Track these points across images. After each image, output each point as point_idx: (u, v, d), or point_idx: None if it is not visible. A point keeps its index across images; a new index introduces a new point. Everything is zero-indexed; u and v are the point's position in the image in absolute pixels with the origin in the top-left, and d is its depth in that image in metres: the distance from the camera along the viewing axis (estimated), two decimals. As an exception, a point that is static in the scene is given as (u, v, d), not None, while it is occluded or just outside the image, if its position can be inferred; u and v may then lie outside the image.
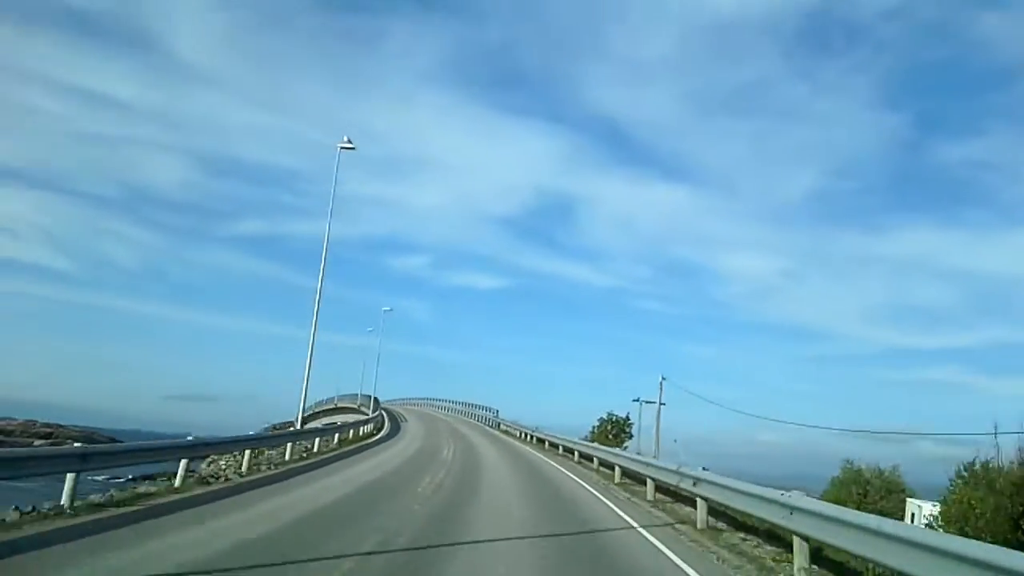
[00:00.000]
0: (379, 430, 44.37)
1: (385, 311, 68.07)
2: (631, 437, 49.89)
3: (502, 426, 51.75)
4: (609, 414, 50.53)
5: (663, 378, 49.33)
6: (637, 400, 53.63)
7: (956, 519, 13.99)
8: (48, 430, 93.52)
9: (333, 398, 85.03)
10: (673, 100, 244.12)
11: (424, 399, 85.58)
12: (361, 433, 39.95)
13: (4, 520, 9.51)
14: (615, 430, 49.53)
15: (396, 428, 47.82)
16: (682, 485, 15.00)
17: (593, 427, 50.24)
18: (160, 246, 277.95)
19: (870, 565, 9.10)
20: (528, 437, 41.48)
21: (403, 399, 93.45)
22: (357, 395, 69.84)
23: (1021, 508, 12.74)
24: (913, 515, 23.18)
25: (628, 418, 50.30)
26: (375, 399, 66.45)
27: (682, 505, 16.52)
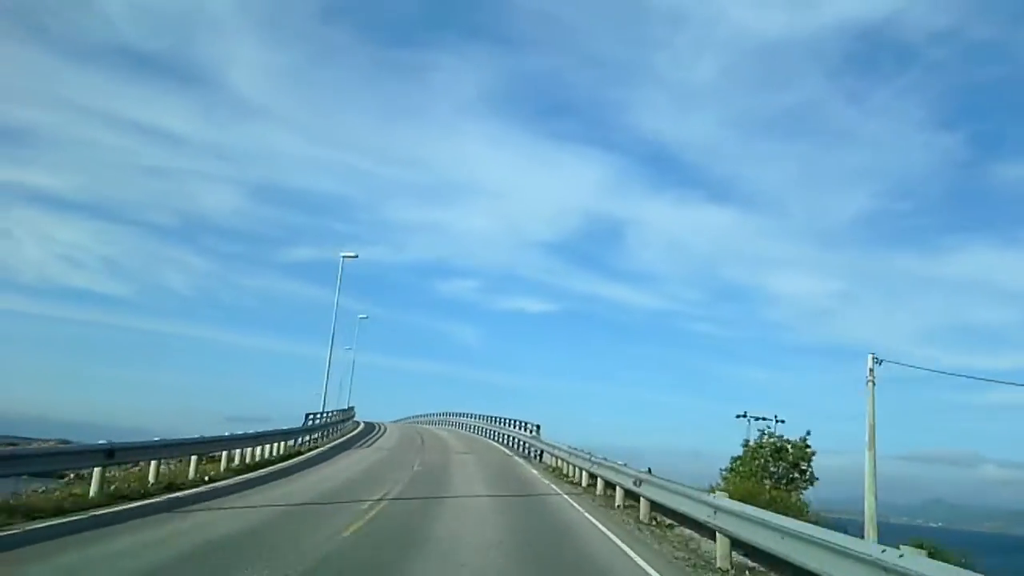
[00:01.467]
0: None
1: (361, 319, 57.25)
2: (811, 482, 24.77)
3: (546, 455, 27.03)
4: (767, 432, 26.02)
5: (875, 360, 22.80)
6: (743, 416, 34.44)
7: None
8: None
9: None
10: (720, 124, 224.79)
11: (444, 413, 62.86)
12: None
13: None
14: (783, 469, 24.61)
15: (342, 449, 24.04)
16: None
17: (733, 461, 25.45)
18: (216, 272, 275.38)
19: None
20: (620, 499, 16.49)
21: (424, 415, 72.66)
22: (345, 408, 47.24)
23: None
24: None
25: (806, 444, 25.22)
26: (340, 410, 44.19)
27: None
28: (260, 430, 22.19)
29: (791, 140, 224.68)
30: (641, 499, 13.69)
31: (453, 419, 56.74)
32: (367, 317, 58.56)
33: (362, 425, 46.43)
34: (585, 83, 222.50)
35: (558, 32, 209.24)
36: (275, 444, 23.63)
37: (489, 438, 39.61)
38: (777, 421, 35.08)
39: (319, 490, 14.99)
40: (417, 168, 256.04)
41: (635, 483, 13.98)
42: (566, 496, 16.98)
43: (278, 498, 13.41)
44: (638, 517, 13.52)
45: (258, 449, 21.91)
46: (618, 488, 15.59)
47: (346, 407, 49.11)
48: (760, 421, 33.80)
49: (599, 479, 17.85)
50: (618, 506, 15.20)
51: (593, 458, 18.69)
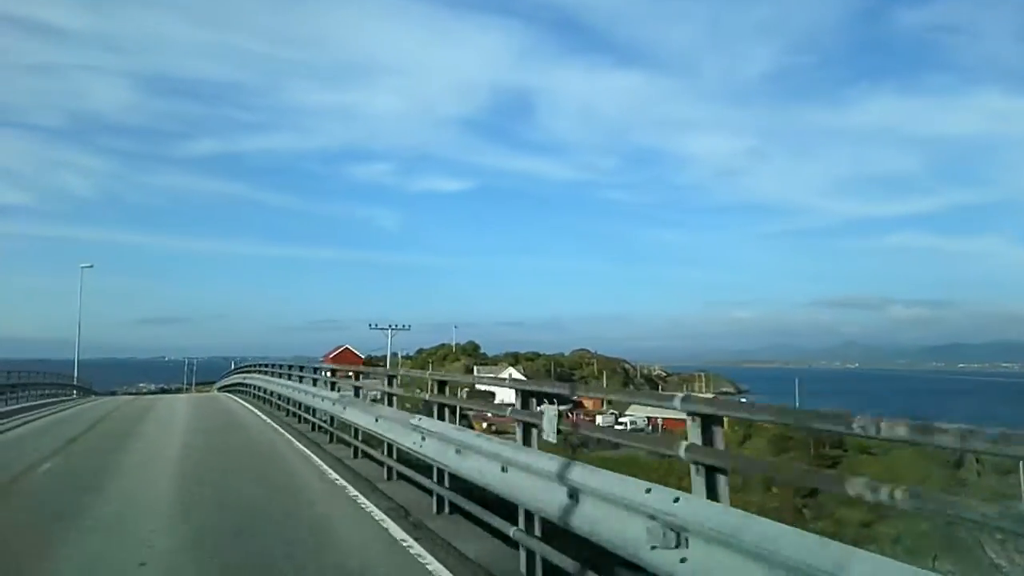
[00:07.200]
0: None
1: (84, 267, 47.04)
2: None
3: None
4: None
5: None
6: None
7: None
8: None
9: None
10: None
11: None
12: None
13: None
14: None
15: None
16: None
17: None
18: (114, 172, 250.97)
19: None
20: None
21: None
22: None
23: None
24: None
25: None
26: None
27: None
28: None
29: None
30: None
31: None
32: (92, 266, 48.98)
33: None
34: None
35: None
36: None
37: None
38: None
39: None
40: (315, 48, 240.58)
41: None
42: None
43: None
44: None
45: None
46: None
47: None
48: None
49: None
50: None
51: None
